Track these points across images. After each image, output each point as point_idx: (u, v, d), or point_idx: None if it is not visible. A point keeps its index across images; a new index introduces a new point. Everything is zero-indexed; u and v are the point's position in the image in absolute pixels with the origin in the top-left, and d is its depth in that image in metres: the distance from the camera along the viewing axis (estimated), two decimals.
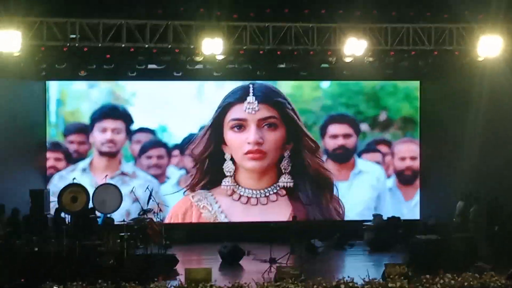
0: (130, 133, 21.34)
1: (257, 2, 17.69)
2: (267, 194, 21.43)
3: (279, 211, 21.33)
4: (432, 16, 17.77)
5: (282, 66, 19.01)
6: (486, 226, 18.66)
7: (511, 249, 17.75)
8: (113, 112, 21.27)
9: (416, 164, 22.07)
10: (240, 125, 21.20)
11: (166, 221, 20.18)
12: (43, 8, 16.16)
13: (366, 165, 21.96)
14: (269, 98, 21.34)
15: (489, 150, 20.01)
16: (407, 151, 22.14)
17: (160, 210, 18.50)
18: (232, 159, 21.23)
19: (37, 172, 20.81)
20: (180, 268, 16.95)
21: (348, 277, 14.95)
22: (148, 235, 17.44)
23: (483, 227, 18.66)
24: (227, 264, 18.17)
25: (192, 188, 21.29)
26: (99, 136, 21.18)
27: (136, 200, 19.32)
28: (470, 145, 20.27)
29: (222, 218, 21.20)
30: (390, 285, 14.87)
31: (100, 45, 16.65)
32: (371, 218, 21.10)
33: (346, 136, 21.95)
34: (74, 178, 18.41)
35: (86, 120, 21.14)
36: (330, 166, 21.72)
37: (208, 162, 21.24)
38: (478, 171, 19.98)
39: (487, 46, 17.03)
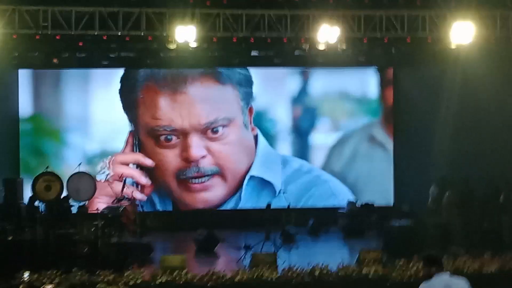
0: None
1: None
2: None
3: None
4: (405, 3, 17.77)
5: (256, 53, 18.97)
6: (458, 211, 18.79)
7: (483, 233, 17.90)
8: None
9: None
10: None
11: None
12: None
13: None
14: None
15: (462, 135, 20.15)
16: None
17: (134, 198, 18.47)
18: None
19: (11, 160, 20.68)
20: (155, 255, 16.96)
21: (323, 264, 15.04)
22: (123, 223, 17.42)
23: (456, 212, 18.78)
24: (202, 252, 18.18)
25: None
26: None
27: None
28: (444, 131, 20.41)
29: None
30: (364, 270, 14.97)
31: (72, 33, 16.47)
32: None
33: None
34: (47, 167, 18.23)
35: None
36: None
37: None
38: (451, 157, 20.12)
39: (460, 33, 17.05)
